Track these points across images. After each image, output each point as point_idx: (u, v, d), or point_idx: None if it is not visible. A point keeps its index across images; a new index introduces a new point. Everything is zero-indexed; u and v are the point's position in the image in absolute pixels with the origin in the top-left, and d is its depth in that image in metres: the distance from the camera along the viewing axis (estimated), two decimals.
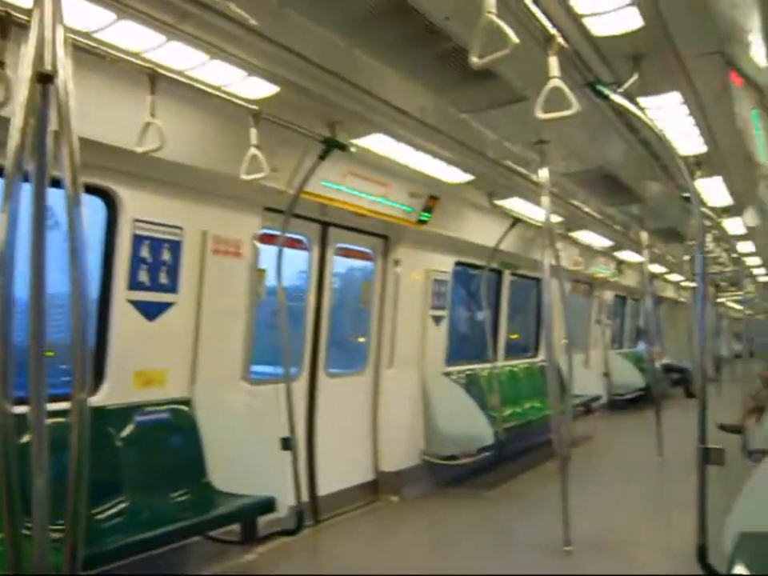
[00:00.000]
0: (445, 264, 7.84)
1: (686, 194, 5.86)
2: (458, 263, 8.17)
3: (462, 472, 7.61)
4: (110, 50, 3.37)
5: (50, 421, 2.34)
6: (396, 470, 7.02)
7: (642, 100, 4.54)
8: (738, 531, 3.13)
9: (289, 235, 5.58)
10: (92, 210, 4.54)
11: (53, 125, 2.34)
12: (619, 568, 5.01)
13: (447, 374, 7.87)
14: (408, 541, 5.98)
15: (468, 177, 6.12)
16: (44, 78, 2.27)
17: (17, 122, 2.25)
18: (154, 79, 3.56)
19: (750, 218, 8.82)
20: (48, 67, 2.27)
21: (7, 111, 2.46)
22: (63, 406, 2.36)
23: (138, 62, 3.50)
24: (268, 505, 4.50)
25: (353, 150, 4.95)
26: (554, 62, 3.22)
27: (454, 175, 6.04)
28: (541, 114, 3.19)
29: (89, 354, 2.36)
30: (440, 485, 7.46)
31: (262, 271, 5.50)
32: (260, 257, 5.48)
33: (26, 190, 2.30)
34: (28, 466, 2.28)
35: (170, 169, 4.37)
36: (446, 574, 5.00)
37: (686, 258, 13.01)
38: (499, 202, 7.26)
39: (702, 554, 3.51)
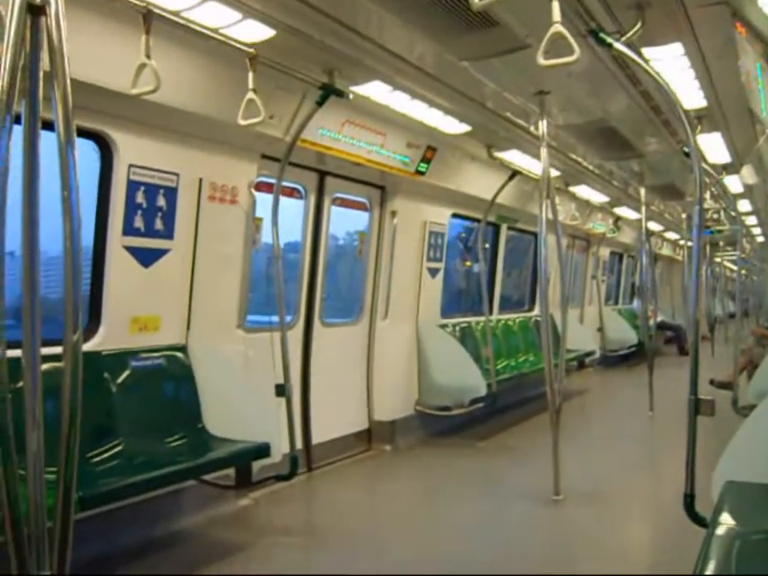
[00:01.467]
0: (441, 216, 7.81)
1: (687, 150, 5.81)
2: (455, 215, 8.15)
3: (455, 423, 7.70)
4: None
5: (45, 365, 2.34)
6: (389, 419, 7.09)
7: (645, 51, 4.47)
8: (725, 480, 3.18)
9: (286, 184, 5.54)
10: (89, 154, 4.51)
11: (45, 65, 2.29)
12: (606, 516, 5.11)
13: (442, 326, 7.90)
14: (400, 488, 6.08)
15: (466, 127, 6.07)
16: (36, 10, 2.22)
17: (7, 58, 2.20)
18: (148, 19, 3.49)
19: (749, 175, 8.77)
20: (38, 0, 2.23)
21: None
22: (58, 350, 2.35)
23: (132, 0, 3.43)
24: (262, 450, 4.54)
25: (351, 97, 4.89)
26: (555, 8, 3.16)
27: (452, 126, 5.99)
28: (542, 61, 3.15)
29: (81, 296, 2.35)
30: (433, 435, 7.55)
31: (259, 219, 5.48)
32: (258, 205, 5.45)
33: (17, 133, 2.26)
34: (23, 409, 2.29)
35: (165, 113, 4.31)
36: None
37: (684, 215, 13.01)
38: (498, 154, 7.21)
39: (689, 502, 3.58)
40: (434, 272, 7.76)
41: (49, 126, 2.32)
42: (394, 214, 7.00)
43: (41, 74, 2.29)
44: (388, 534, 4.88)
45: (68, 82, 2.26)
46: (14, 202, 2.25)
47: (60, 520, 2.26)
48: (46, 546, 2.27)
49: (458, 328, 8.30)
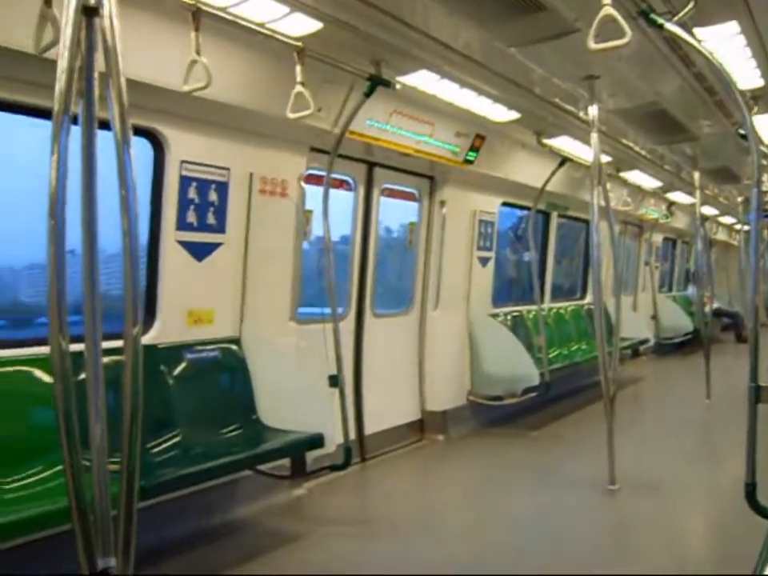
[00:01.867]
0: (491, 205, 7.77)
1: (743, 131, 5.67)
2: (505, 204, 8.09)
3: (507, 412, 7.67)
4: None
5: (105, 358, 2.40)
6: (441, 409, 7.10)
7: (697, 31, 4.37)
8: None
9: (335, 176, 5.57)
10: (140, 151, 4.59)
11: (100, 65, 2.33)
12: (664, 506, 5.03)
13: (493, 316, 7.87)
14: (453, 478, 6.08)
15: (515, 114, 6.01)
16: (90, 12, 2.26)
17: (64, 60, 2.24)
18: (197, 16, 3.53)
19: None
20: (92, 1, 2.27)
21: (52, 53, 2.45)
22: (118, 344, 2.40)
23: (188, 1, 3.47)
24: (316, 441, 4.57)
25: (398, 87, 4.88)
26: None
27: (500, 113, 5.94)
28: (593, 45, 3.10)
29: (139, 291, 2.40)
30: (485, 425, 7.54)
31: (309, 212, 5.52)
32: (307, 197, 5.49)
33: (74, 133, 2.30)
34: (86, 401, 2.35)
35: (215, 109, 4.36)
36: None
37: (740, 199, 12.69)
38: (547, 141, 7.13)
39: (750, 491, 3.49)
40: (484, 261, 7.73)
41: (104, 125, 2.36)
42: (443, 203, 6.99)
43: (96, 75, 2.33)
44: (441, 524, 4.89)
45: (123, 81, 2.29)
46: (71, 202, 2.29)
47: (124, 509, 2.31)
48: (111, 534, 2.33)
49: (509, 317, 8.25)
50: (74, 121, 2.30)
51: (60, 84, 2.22)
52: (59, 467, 3.46)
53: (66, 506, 2.27)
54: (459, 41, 4.64)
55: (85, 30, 2.28)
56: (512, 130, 6.59)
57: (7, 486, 3.46)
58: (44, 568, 3.48)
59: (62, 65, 2.23)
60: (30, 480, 3.55)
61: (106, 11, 2.27)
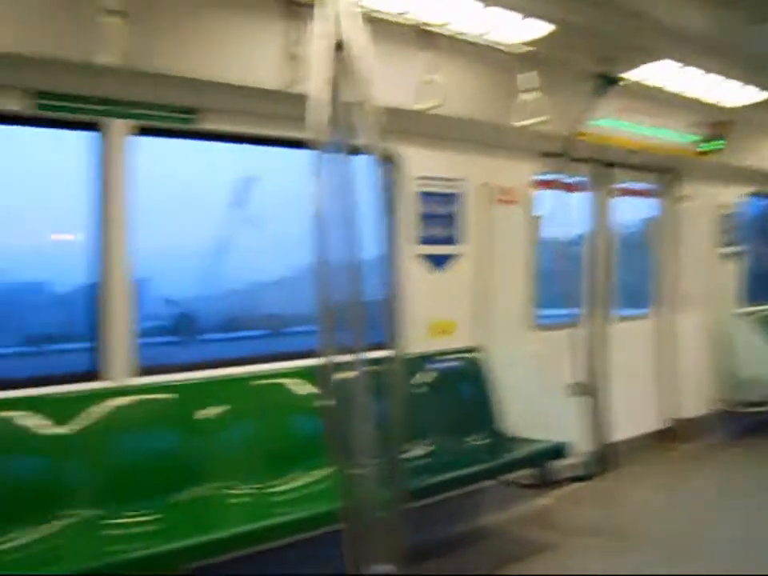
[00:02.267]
0: (736, 196, 7.25)
1: None
2: (754, 194, 7.52)
3: (763, 420, 7.08)
4: (382, 14, 3.46)
5: (369, 368, 2.51)
6: (690, 417, 6.71)
7: None
8: None
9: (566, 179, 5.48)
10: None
11: (350, 95, 2.46)
12: None
13: (741, 315, 7.32)
14: (708, 490, 5.70)
15: (764, 95, 5.54)
16: (338, 46, 2.40)
17: (318, 93, 2.39)
18: (428, 36, 3.61)
19: None
20: (342, 37, 2.40)
21: (300, 88, 2.62)
22: (379, 354, 2.50)
23: (411, 22, 3.57)
24: (560, 450, 4.53)
25: (632, 81, 4.69)
26: None
27: (742, 96, 5.51)
28: None
29: (398, 305, 2.50)
30: (739, 433, 7.02)
31: (540, 216, 5.46)
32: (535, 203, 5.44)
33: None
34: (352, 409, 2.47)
35: (445, 124, 4.44)
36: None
37: None
38: None
39: None
40: (729, 258, 7.22)
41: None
42: (682, 198, 6.63)
43: (346, 104, 2.47)
44: (698, 541, 4.60)
45: (375, 109, 2.41)
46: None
47: (393, 513, 2.40)
48: (378, 537, 2.42)
49: (760, 316, 7.62)
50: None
51: (316, 116, 2.38)
52: (316, 472, 3.71)
53: (328, 510, 2.39)
54: (694, 25, 4.39)
55: (337, 64, 2.42)
56: (756, 113, 6.10)
57: (273, 490, 3.72)
58: (303, 568, 3.69)
59: (316, 97, 2.39)
60: (291, 485, 3.79)
61: (355, 44, 2.40)
